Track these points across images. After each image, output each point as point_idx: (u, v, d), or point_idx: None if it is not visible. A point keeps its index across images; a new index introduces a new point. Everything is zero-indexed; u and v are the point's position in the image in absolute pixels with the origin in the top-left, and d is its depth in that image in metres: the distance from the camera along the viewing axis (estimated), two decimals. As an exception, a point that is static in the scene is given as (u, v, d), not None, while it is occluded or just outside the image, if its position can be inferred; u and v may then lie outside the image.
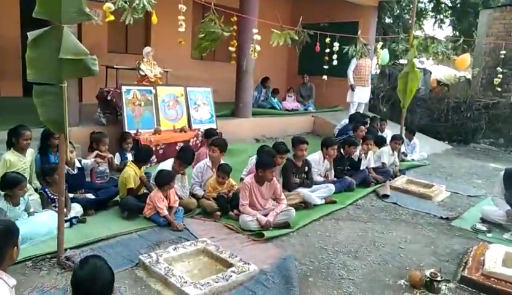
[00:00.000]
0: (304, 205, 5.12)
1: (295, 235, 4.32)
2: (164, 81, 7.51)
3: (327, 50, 7.18)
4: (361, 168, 6.40)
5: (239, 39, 6.62)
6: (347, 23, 11.20)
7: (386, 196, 5.83)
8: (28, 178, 4.25)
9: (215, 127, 7.16)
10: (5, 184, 3.81)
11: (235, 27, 5.87)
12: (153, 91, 6.58)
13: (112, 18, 4.08)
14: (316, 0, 11.62)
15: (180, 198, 4.63)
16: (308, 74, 11.33)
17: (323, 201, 5.34)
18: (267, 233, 4.18)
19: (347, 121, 8.56)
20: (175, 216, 4.35)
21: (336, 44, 7.08)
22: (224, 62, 10.17)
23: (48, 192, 4.29)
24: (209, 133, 5.87)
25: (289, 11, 12.56)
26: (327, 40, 7.35)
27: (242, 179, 5.01)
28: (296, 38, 6.04)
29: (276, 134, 9.04)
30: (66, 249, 3.48)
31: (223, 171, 4.88)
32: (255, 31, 5.94)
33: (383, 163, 6.84)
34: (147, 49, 6.91)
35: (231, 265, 3.39)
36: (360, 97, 9.68)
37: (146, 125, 6.39)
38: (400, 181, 6.50)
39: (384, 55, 7.91)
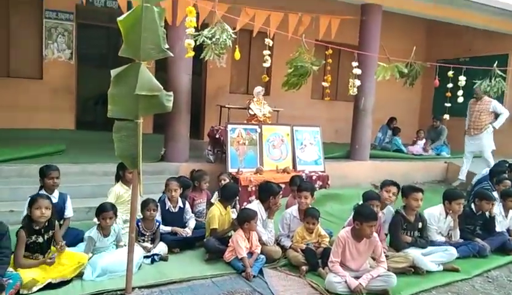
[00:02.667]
0: (413, 270, 4.22)
1: (394, 308, 3.52)
2: (273, 120, 7.39)
3: (450, 85, 6.16)
4: (498, 230, 5.11)
5: (359, 76, 6.18)
6: (493, 56, 9.69)
7: (533, 270, 4.49)
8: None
9: (322, 169, 6.67)
10: (96, 211, 3.99)
11: (330, 61, 5.45)
12: (258, 130, 6.51)
13: (192, 53, 4.09)
14: (456, 33, 10.38)
15: (264, 244, 4.25)
16: (448, 114, 10.00)
17: (440, 268, 4.34)
18: (356, 301, 3.50)
19: (488, 170, 7.14)
20: (254, 263, 3.98)
21: (462, 78, 6.02)
22: (346, 102, 9.71)
23: (140, 226, 4.36)
24: (293, 182, 5.37)
25: (424, 47, 11.52)
26: (461, 77, 6.37)
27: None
28: (405, 71, 5.29)
29: (397, 180, 7.99)
30: (134, 288, 3.39)
31: (312, 215, 4.37)
32: (354, 64, 5.43)
33: (533, 226, 5.37)
34: (258, 89, 6.94)
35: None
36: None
37: (249, 164, 6.30)
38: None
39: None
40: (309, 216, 4.39)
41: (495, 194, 5.62)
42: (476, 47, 10.27)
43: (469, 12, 8.49)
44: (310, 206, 4.57)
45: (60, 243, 3.62)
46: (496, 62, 6.70)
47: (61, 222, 4.20)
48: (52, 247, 3.67)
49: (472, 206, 5.18)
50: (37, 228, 3.52)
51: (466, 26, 9.37)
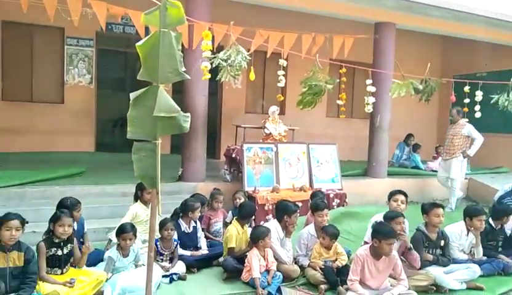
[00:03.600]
0: (435, 289, 4.14)
1: (416, 328, 3.44)
2: (289, 139, 7.43)
3: (467, 100, 6.13)
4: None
5: (374, 93, 6.19)
6: (510, 70, 9.61)
7: (561, 288, 4.34)
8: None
9: (339, 187, 6.65)
10: (116, 231, 4.06)
11: (344, 79, 5.51)
12: (274, 148, 6.56)
13: (209, 76, 4.20)
14: (471, 48, 10.34)
15: (283, 263, 4.23)
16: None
17: (463, 287, 4.25)
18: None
19: (508, 187, 7.00)
20: (272, 280, 3.97)
21: (479, 93, 5.99)
22: (362, 119, 9.71)
23: (158, 246, 4.40)
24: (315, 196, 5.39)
25: (439, 63, 11.50)
26: (477, 92, 6.35)
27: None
28: (420, 87, 5.30)
29: (416, 197, 7.93)
30: (153, 308, 3.40)
31: (328, 233, 4.35)
32: (368, 82, 5.47)
33: (559, 243, 5.21)
34: (273, 108, 7.03)
35: None
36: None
37: (265, 183, 6.34)
38: None
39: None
40: (324, 232, 4.38)
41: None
42: (493, 62, 10.20)
43: (484, 27, 8.47)
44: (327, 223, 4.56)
45: (87, 243, 3.83)
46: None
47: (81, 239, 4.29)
48: (71, 268, 3.75)
49: (491, 221, 5.07)
50: (57, 241, 3.64)
51: (481, 41, 9.34)
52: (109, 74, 9.95)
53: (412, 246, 4.29)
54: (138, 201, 4.90)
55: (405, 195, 4.82)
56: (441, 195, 8.13)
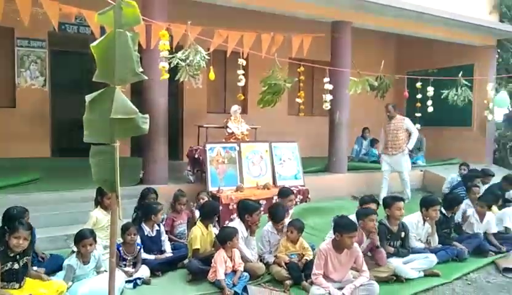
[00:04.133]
0: (395, 278, 4.30)
1: (378, 316, 3.56)
2: (251, 138, 7.47)
3: (419, 96, 6.43)
4: (476, 231, 5.28)
5: (332, 91, 6.32)
6: (460, 67, 10.08)
7: (510, 270, 4.62)
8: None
9: (302, 183, 6.76)
10: (74, 238, 3.93)
11: (302, 78, 5.62)
12: (237, 148, 6.56)
13: (167, 76, 4.16)
14: (424, 46, 10.78)
15: (248, 261, 4.25)
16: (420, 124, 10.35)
17: (421, 274, 4.44)
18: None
19: (455, 176, 7.43)
20: (238, 280, 3.99)
21: (430, 88, 6.29)
22: (322, 116, 9.89)
23: (121, 251, 4.30)
24: (283, 193, 5.45)
25: (393, 60, 11.92)
26: (429, 88, 6.66)
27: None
28: (376, 84, 5.49)
29: (376, 190, 8.18)
30: (116, 314, 3.33)
31: (295, 226, 4.43)
32: (326, 80, 5.61)
33: (506, 228, 5.56)
34: (234, 107, 7.03)
35: None
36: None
37: (229, 183, 6.32)
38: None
39: (503, 98, 6.75)
40: (291, 226, 4.45)
41: (468, 201, 5.83)
42: (443, 59, 10.66)
43: (435, 26, 8.87)
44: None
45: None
46: (461, 72, 7.01)
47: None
48: (29, 279, 3.59)
49: (444, 210, 5.31)
50: (12, 255, 3.44)
51: (433, 39, 9.77)
52: (63, 75, 9.57)
53: (379, 244, 4.42)
54: (99, 206, 4.79)
55: (377, 202, 4.96)
56: (399, 187, 8.43)
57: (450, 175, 7.84)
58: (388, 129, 7.65)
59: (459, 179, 7.53)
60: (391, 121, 7.62)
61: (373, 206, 4.79)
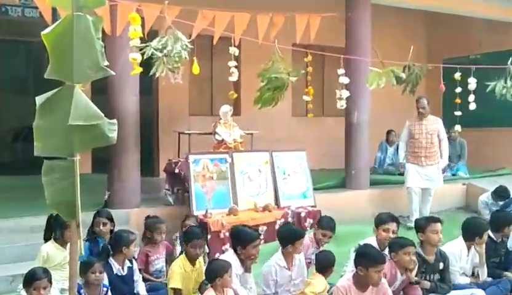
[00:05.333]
0: (434, 321, 4.31)
1: None
2: (247, 146, 7.50)
3: (458, 89, 6.49)
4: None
5: (349, 85, 6.37)
6: (508, 51, 10.21)
7: None
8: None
9: (312, 203, 6.80)
10: (23, 280, 3.91)
11: (310, 69, 5.66)
12: (229, 159, 6.60)
13: (139, 70, 4.19)
14: (461, 27, 10.88)
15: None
16: (459, 125, 10.40)
17: (467, 316, 4.45)
18: None
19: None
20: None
21: (472, 80, 6.34)
22: (336, 117, 9.93)
23: (82, 293, 4.29)
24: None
25: (425, 46, 12.05)
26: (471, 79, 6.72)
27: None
28: (403, 75, 5.54)
29: (406, 211, 8.21)
30: None
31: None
32: (340, 71, 5.65)
33: None
34: (224, 108, 7.08)
35: None
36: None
37: (219, 204, 6.37)
38: None
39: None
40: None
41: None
42: (487, 42, 10.75)
43: (474, 1, 8.95)
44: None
45: None
46: (511, 58, 7.04)
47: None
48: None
49: (491, 234, 5.31)
50: None
51: (473, 17, 9.84)
52: (6, 71, 9.61)
53: (417, 279, 4.43)
54: (52, 239, 4.78)
55: (398, 221, 4.95)
56: (436, 206, 8.45)
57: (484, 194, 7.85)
58: (420, 132, 7.54)
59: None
60: (422, 121, 7.53)
61: (392, 226, 4.80)
